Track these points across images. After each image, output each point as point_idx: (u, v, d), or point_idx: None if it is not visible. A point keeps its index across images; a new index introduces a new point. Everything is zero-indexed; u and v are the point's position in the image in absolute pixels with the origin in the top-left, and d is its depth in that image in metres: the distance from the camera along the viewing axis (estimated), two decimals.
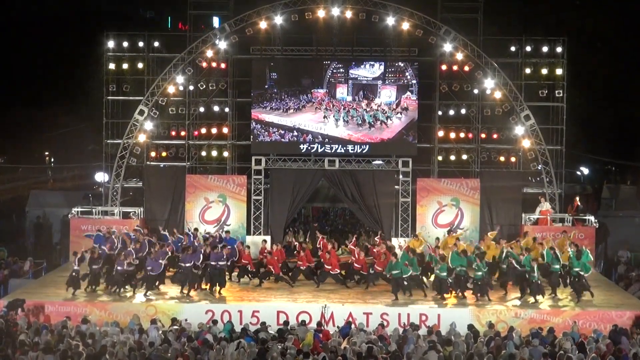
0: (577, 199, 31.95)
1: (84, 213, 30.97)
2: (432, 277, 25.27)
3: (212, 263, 24.83)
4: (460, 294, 24.42)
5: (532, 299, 24.13)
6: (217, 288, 24.84)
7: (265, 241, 28.03)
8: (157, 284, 25.08)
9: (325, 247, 26.98)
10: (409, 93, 31.36)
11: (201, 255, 25.02)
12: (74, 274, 24.63)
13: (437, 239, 28.00)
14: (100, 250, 25.99)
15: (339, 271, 26.31)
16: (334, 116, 31.43)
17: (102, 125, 32.40)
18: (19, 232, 36.94)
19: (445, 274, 24.41)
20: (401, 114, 31.36)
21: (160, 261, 25.06)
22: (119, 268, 24.63)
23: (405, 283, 24.55)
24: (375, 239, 28.72)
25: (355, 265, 26.23)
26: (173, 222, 30.94)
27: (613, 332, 21.35)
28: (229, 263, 25.69)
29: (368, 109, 31.37)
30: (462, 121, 32.57)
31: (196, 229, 29.46)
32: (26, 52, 50.43)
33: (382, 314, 23.11)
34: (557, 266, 24.88)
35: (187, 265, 24.84)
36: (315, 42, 32.25)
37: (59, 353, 18.34)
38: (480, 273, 24.30)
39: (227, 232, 29.20)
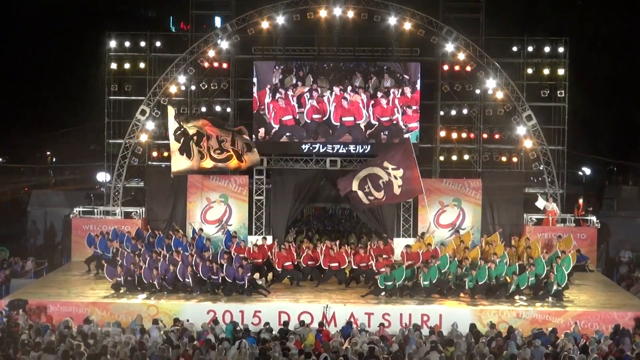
0: (580, 200, 31.95)
1: (85, 213, 31.01)
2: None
3: None
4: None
5: None
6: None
7: (265, 238, 28.34)
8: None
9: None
10: (408, 93, 31.33)
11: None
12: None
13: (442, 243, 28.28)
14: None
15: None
16: (332, 112, 31.40)
17: (104, 125, 32.36)
18: (20, 232, 36.94)
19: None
20: (397, 112, 31.33)
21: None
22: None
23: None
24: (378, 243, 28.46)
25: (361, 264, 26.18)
26: (174, 222, 30.94)
27: (614, 333, 21.34)
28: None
29: (366, 108, 31.36)
30: (464, 121, 32.53)
31: (201, 229, 29.55)
32: (27, 51, 50.43)
33: (384, 314, 23.07)
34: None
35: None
36: (317, 42, 32.22)
37: (60, 353, 18.35)
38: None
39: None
